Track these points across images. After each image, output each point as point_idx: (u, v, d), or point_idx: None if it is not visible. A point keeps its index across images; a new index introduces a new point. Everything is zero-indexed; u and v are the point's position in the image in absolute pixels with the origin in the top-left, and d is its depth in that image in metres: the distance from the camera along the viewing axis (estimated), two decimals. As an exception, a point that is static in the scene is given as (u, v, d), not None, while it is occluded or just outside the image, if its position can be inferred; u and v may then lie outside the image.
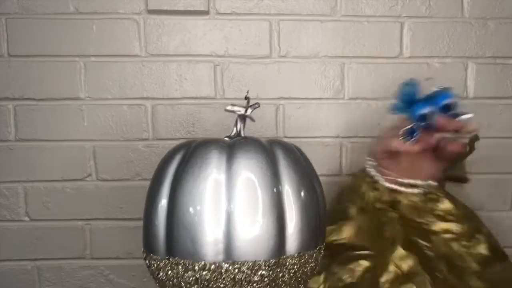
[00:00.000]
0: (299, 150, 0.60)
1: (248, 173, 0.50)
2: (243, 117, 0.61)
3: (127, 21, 0.77)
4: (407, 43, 0.80)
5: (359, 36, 0.80)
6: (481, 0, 0.80)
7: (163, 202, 0.52)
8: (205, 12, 0.78)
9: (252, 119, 0.61)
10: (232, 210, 0.49)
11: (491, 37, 0.80)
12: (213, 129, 0.79)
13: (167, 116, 0.79)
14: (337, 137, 0.81)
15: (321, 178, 0.80)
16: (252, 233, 0.49)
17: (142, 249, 0.55)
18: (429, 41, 0.80)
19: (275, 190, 0.51)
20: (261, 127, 0.81)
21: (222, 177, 0.50)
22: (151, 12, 0.77)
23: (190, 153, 0.53)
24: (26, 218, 0.80)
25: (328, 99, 0.81)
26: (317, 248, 0.55)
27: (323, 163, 0.81)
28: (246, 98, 0.61)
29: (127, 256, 0.80)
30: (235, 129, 0.61)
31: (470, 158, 0.80)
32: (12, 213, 0.79)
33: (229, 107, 0.60)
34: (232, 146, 0.53)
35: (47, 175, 0.79)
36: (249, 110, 0.61)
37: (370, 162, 0.64)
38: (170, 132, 0.79)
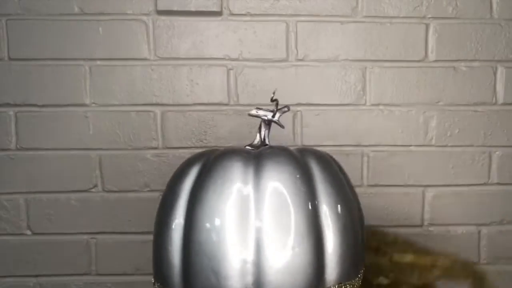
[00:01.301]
0: (333, 160, 0.53)
1: (280, 187, 0.44)
2: (268, 123, 0.54)
3: (135, 22, 0.75)
4: (432, 45, 0.76)
5: (381, 39, 0.76)
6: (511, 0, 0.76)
7: (178, 223, 0.46)
8: (218, 13, 0.75)
9: (281, 125, 0.55)
10: (262, 231, 0.42)
11: (521, 39, 0.77)
12: (227, 137, 0.76)
13: (177, 124, 0.76)
14: (358, 145, 0.78)
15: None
16: (285, 261, 0.42)
17: (152, 280, 0.49)
18: (456, 44, 0.77)
19: (311, 208, 0.45)
20: (276, 134, 0.76)
21: (249, 191, 0.44)
22: (161, 13, 0.75)
23: (210, 165, 0.47)
24: (28, 232, 0.77)
25: (349, 105, 0.77)
26: (359, 276, 0.49)
27: (343, 173, 0.77)
28: (274, 100, 0.54)
29: (134, 272, 0.78)
30: (258, 136, 0.55)
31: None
32: (13, 226, 0.77)
33: (253, 112, 0.54)
34: (259, 157, 0.47)
35: (50, 186, 0.76)
36: (277, 115, 0.54)
37: None
38: (181, 140, 0.76)
